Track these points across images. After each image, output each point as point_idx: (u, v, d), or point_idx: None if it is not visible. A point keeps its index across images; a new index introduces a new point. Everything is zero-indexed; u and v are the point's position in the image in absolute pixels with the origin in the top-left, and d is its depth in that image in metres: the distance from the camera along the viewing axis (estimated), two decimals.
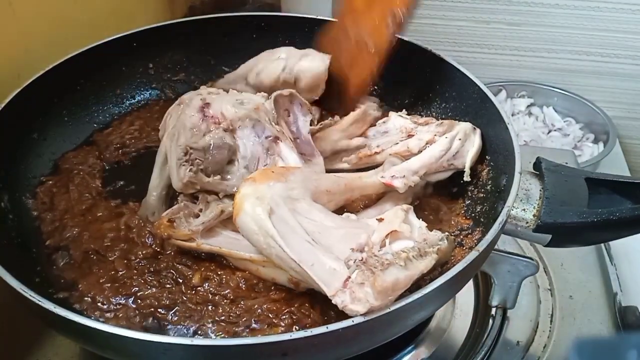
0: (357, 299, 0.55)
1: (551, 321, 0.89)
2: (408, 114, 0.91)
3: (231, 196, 0.74)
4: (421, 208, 0.81)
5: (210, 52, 1.03)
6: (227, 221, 0.73)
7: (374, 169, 0.81)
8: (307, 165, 0.78)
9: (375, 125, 0.91)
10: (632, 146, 1.83)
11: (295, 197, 0.65)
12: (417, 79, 0.98)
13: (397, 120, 0.89)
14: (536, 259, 0.82)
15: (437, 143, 0.81)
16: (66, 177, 0.85)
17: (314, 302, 0.67)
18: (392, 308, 0.56)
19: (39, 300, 0.57)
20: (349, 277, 0.57)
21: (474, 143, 0.82)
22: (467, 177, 0.80)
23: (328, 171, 0.81)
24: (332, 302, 0.57)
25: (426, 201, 0.82)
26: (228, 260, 0.72)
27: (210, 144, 0.75)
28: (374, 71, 0.89)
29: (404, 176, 0.76)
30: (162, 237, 0.73)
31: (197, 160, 0.74)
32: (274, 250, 0.61)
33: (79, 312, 0.66)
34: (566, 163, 1.15)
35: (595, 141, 1.69)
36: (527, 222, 0.73)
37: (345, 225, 0.66)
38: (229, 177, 0.76)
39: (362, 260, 0.58)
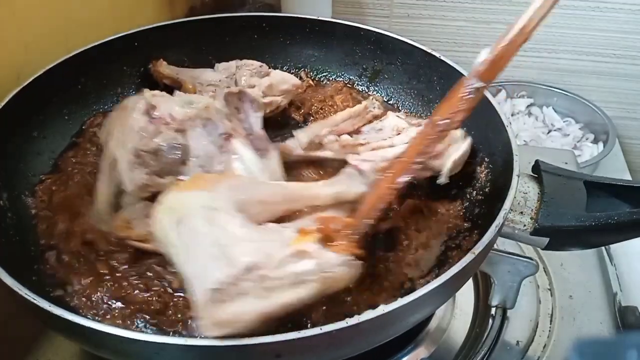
0: (203, 326, 0.53)
1: (551, 321, 0.89)
2: (406, 115, 0.92)
3: None
4: (419, 210, 0.81)
5: (211, 52, 1.03)
6: None
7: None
8: (262, 159, 0.76)
9: (372, 122, 0.90)
10: (632, 146, 1.83)
11: (216, 206, 0.61)
12: (416, 80, 0.99)
13: (393, 120, 0.88)
14: (536, 259, 0.82)
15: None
16: (65, 175, 0.85)
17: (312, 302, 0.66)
18: (385, 310, 0.55)
19: (34, 299, 0.57)
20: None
21: (460, 149, 0.80)
22: (441, 180, 0.79)
23: (305, 160, 0.80)
24: None
25: (424, 203, 0.82)
26: None
27: (162, 146, 0.74)
28: None
29: (374, 161, 0.75)
30: (119, 239, 0.72)
31: (150, 163, 0.73)
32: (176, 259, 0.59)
33: (75, 311, 0.66)
34: (566, 163, 1.16)
35: (595, 141, 1.69)
36: (524, 225, 0.73)
37: (259, 238, 0.59)
38: (183, 177, 0.75)
39: (233, 283, 0.53)
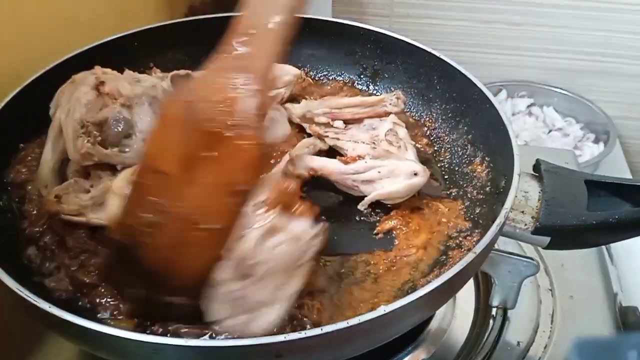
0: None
1: (552, 321, 0.89)
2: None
3: (125, 169, 0.76)
4: (420, 209, 0.81)
5: (211, 51, 1.03)
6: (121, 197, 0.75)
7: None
8: None
9: (376, 117, 0.90)
10: (632, 146, 1.83)
11: None
12: (416, 79, 0.98)
13: (388, 125, 0.87)
14: (537, 259, 0.82)
15: (360, 162, 0.80)
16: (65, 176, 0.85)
17: (311, 302, 0.66)
18: (386, 311, 0.55)
19: (35, 300, 0.57)
20: None
21: (397, 186, 0.78)
22: (360, 207, 0.80)
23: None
24: None
25: (425, 202, 0.82)
26: None
27: (107, 118, 0.77)
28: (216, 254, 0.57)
29: (297, 165, 0.80)
30: (50, 213, 0.73)
31: (95, 133, 0.76)
32: None
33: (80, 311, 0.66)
34: (566, 163, 1.15)
35: (596, 141, 1.69)
36: (525, 225, 0.72)
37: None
38: (127, 149, 0.78)
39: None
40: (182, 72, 0.87)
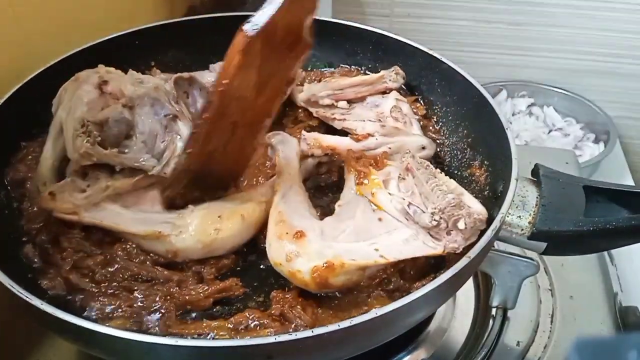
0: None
1: (551, 321, 0.89)
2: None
3: (124, 171, 0.76)
4: None
5: (211, 51, 1.03)
6: (116, 197, 0.75)
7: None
8: None
9: (377, 94, 0.93)
10: (632, 146, 1.83)
11: (319, 230, 0.68)
12: (418, 82, 0.98)
13: (391, 102, 0.90)
14: (537, 259, 0.82)
15: (370, 139, 0.84)
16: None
17: (307, 304, 0.66)
18: (378, 314, 0.55)
19: (27, 297, 0.58)
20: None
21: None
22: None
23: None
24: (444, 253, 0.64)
25: None
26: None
27: (108, 118, 0.77)
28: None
29: (311, 144, 0.83)
30: (47, 210, 0.73)
31: (94, 133, 0.75)
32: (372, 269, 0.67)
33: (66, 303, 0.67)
34: (567, 163, 1.15)
35: (596, 141, 1.69)
36: (522, 229, 0.72)
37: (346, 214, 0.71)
38: (126, 150, 0.77)
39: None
40: (185, 74, 0.87)
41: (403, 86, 0.97)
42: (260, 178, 0.83)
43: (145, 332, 0.64)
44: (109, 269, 0.71)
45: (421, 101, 0.97)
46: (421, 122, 0.92)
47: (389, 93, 0.93)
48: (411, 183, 0.69)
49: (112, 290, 0.69)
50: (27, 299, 0.58)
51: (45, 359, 0.80)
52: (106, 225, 0.73)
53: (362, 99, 0.93)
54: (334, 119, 0.91)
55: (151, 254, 0.73)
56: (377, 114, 0.88)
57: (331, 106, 0.93)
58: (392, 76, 0.94)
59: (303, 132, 0.86)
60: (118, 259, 0.72)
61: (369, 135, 0.85)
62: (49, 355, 0.81)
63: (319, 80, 1.00)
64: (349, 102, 0.94)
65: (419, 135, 0.87)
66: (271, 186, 0.79)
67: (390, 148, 0.83)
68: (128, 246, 0.73)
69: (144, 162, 0.77)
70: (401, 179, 0.71)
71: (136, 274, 0.71)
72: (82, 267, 0.71)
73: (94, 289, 0.69)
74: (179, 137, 0.79)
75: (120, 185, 0.75)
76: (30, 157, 0.82)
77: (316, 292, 0.66)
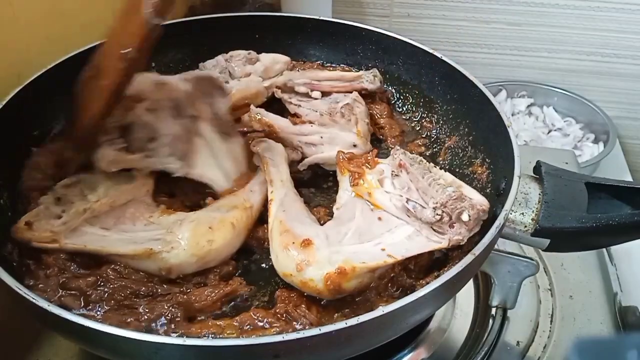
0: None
1: (551, 321, 0.89)
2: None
3: (96, 191, 0.73)
4: None
5: (212, 51, 1.03)
6: (94, 219, 0.72)
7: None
8: (227, 142, 0.81)
9: (352, 92, 0.94)
10: (632, 146, 1.83)
11: (323, 236, 0.68)
12: (418, 80, 0.99)
13: (347, 100, 0.91)
14: (536, 259, 0.82)
15: (306, 125, 0.89)
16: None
17: (311, 303, 0.67)
18: (385, 312, 0.55)
19: (33, 298, 0.57)
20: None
21: (334, 152, 0.82)
22: (300, 167, 0.86)
23: None
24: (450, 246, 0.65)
25: None
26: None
27: (132, 123, 0.76)
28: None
29: (254, 117, 0.88)
30: (22, 241, 0.69)
31: (120, 139, 0.75)
32: (381, 269, 0.66)
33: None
34: (566, 163, 1.16)
35: (596, 141, 1.69)
36: (525, 226, 0.72)
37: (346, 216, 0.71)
38: (151, 154, 0.77)
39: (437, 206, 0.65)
40: (204, 74, 0.87)
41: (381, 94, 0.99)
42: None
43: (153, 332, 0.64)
44: (104, 289, 0.68)
45: (416, 99, 0.98)
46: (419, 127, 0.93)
47: (365, 93, 0.95)
48: (406, 179, 0.70)
49: (111, 309, 0.66)
50: (34, 301, 0.57)
51: (45, 359, 0.80)
52: (91, 250, 0.70)
53: (329, 93, 0.96)
54: (290, 102, 0.94)
55: (141, 272, 0.71)
56: (329, 108, 0.90)
57: (305, 94, 0.95)
58: (370, 77, 0.96)
59: (252, 106, 0.91)
60: (111, 279, 0.69)
61: (309, 122, 0.88)
62: (49, 355, 0.81)
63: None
64: (323, 94, 0.96)
65: (353, 133, 0.87)
66: (252, 190, 0.78)
67: (321, 137, 0.86)
68: (117, 266, 0.70)
69: (169, 165, 0.77)
70: (395, 175, 0.71)
71: (136, 291, 0.68)
72: (71, 289, 0.67)
73: (89, 311, 0.66)
74: (201, 137, 0.79)
75: (97, 207, 0.72)
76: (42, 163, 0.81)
77: (330, 298, 0.66)
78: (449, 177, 0.70)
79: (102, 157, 0.74)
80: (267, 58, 1.00)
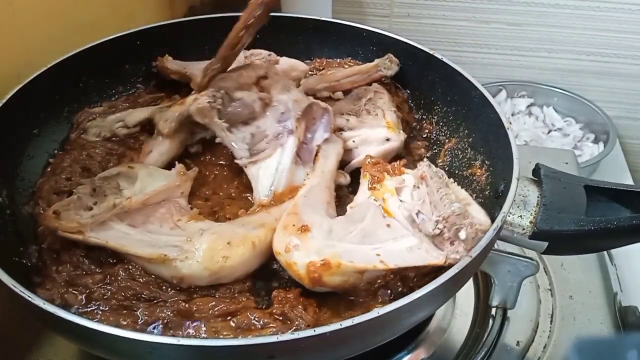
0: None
1: (551, 321, 0.89)
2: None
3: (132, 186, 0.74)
4: None
5: (212, 51, 1.03)
6: (124, 215, 0.71)
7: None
8: (295, 164, 0.81)
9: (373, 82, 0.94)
10: (632, 146, 1.83)
11: (326, 228, 0.68)
12: (418, 82, 0.98)
13: (369, 94, 0.91)
14: (536, 259, 0.82)
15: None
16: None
17: (308, 304, 0.66)
18: (380, 313, 0.55)
19: (29, 297, 0.58)
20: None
21: (371, 152, 0.82)
22: (343, 180, 0.84)
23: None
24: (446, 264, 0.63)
25: None
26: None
27: (242, 98, 0.82)
28: None
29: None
30: (50, 229, 0.69)
31: (220, 100, 0.80)
32: (371, 274, 0.66)
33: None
34: (566, 163, 1.15)
35: (596, 141, 1.69)
36: (523, 229, 0.72)
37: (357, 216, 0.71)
38: (234, 131, 0.81)
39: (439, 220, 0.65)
40: (322, 104, 0.87)
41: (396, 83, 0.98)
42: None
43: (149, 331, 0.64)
44: (109, 288, 0.68)
45: (416, 101, 0.99)
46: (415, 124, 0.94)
47: (384, 81, 0.96)
48: (424, 192, 0.69)
49: (110, 308, 0.66)
50: (30, 299, 0.57)
51: (45, 359, 0.80)
52: (111, 247, 0.69)
53: (351, 90, 0.95)
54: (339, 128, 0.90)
55: (153, 276, 0.70)
56: (354, 108, 0.90)
57: (328, 98, 0.94)
58: (387, 64, 0.96)
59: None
60: (120, 279, 0.68)
61: (338, 129, 0.87)
62: (49, 355, 0.81)
63: (320, 70, 1.02)
64: (345, 92, 0.96)
65: (383, 127, 0.86)
66: (285, 210, 0.75)
67: (354, 142, 0.86)
68: (131, 267, 0.69)
69: (236, 147, 0.80)
70: (416, 187, 0.71)
71: (138, 293, 0.68)
72: (76, 285, 0.68)
73: (89, 309, 0.66)
74: (280, 149, 0.80)
75: (128, 204, 0.71)
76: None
77: (310, 288, 0.66)
78: (462, 194, 0.70)
79: (196, 102, 0.79)
80: (285, 63, 1.00)
